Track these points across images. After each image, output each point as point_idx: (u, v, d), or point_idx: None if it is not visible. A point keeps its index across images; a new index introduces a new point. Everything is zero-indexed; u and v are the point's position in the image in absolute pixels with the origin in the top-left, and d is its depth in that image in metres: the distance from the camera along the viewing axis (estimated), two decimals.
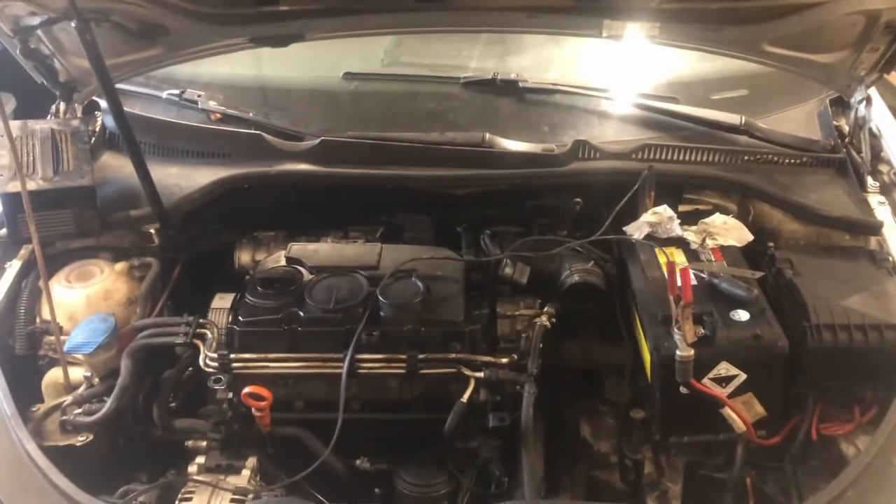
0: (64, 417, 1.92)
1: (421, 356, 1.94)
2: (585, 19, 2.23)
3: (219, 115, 2.52)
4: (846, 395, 1.95)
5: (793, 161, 2.42)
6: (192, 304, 2.16)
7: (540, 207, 2.40)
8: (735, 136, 2.43)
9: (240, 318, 2.02)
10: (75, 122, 2.33)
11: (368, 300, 2.01)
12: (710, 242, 2.11)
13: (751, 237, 2.17)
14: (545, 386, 1.94)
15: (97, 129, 2.55)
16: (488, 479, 1.89)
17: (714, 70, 2.64)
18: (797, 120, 2.55)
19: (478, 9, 2.27)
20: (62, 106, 2.46)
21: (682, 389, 1.81)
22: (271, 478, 1.91)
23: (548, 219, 2.39)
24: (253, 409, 1.89)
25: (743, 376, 1.83)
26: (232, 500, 1.77)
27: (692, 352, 1.78)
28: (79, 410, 1.94)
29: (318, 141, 2.37)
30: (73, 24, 1.96)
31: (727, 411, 1.83)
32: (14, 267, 2.20)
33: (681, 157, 2.37)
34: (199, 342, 2.02)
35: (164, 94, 2.58)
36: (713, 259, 2.07)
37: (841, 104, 2.53)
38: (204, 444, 1.95)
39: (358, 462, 1.95)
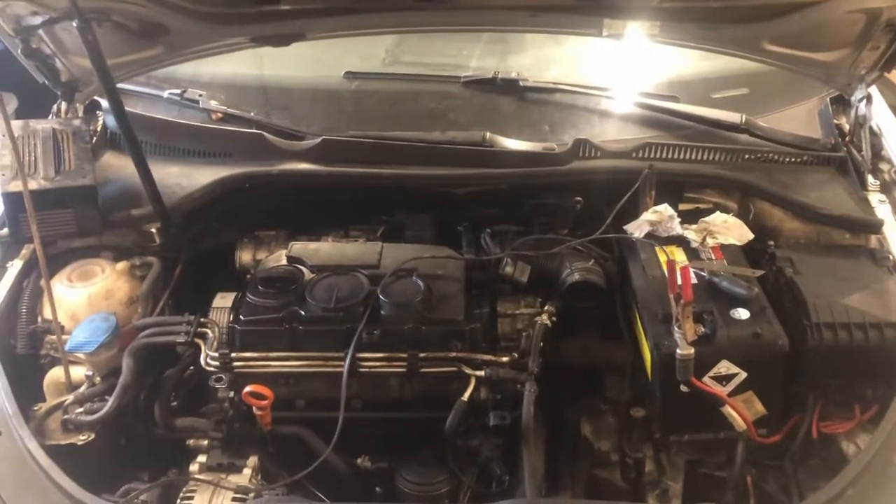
0: (66, 416, 1.92)
1: (422, 355, 1.94)
2: (586, 18, 2.24)
3: (220, 115, 2.52)
4: (846, 393, 1.95)
5: (793, 160, 2.42)
6: (193, 304, 2.16)
7: (540, 206, 2.40)
8: (735, 134, 2.43)
9: (241, 317, 2.03)
10: (77, 122, 2.34)
11: (369, 299, 2.01)
12: (710, 241, 2.11)
13: (751, 236, 2.17)
14: (546, 384, 1.95)
15: (98, 128, 2.55)
16: (489, 477, 1.89)
17: (714, 69, 2.64)
18: (798, 118, 2.55)
19: (479, 8, 2.27)
20: (64, 106, 2.47)
21: (683, 388, 1.81)
22: (272, 476, 1.91)
23: (548, 217, 2.39)
24: (254, 408, 1.90)
25: (743, 375, 1.84)
26: (233, 499, 1.78)
27: (692, 350, 1.78)
28: (80, 409, 1.94)
29: (319, 140, 2.38)
30: (74, 24, 1.96)
31: (728, 410, 1.83)
32: (16, 266, 2.20)
33: (681, 156, 2.37)
34: (200, 341, 2.02)
35: (166, 94, 2.59)
36: (713, 258, 2.07)
37: (841, 103, 2.53)
38: (205, 442, 1.95)
39: (359, 461, 1.95)
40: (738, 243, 2.13)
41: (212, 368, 1.97)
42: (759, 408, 1.87)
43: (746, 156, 2.39)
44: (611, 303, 2.16)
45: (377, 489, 1.96)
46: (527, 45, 2.84)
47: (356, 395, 1.96)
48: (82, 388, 2.00)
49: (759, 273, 2.01)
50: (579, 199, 2.38)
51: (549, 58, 2.76)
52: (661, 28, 2.20)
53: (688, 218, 2.18)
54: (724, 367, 1.83)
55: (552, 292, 2.16)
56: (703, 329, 1.82)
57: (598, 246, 2.21)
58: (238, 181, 2.35)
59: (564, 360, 2.13)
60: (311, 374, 1.97)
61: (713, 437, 1.93)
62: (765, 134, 2.43)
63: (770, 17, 2.16)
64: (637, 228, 2.17)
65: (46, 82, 2.42)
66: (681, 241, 2.13)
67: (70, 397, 1.97)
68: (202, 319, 2.06)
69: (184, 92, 2.56)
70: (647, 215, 2.17)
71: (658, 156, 2.35)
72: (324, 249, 2.26)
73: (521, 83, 2.58)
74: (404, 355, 1.94)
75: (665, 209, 2.17)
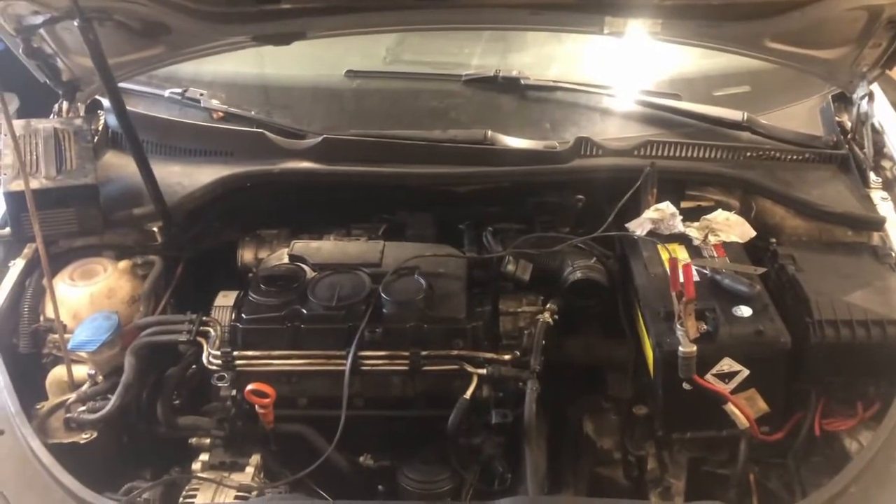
0: (68, 415, 1.93)
1: (424, 353, 1.94)
2: (587, 16, 2.23)
3: (221, 114, 2.52)
4: (849, 390, 1.95)
5: (795, 157, 2.42)
6: (195, 302, 2.16)
7: (542, 204, 2.40)
8: (737, 132, 2.43)
9: (243, 315, 2.03)
10: (78, 121, 2.34)
11: (371, 297, 2.01)
12: (712, 239, 2.11)
13: (753, 233, 2.17)
14: (548, 382, 1.95)
15: (100, 127, 2.55)
16: (491, 475, 1.89)
17: (716, 66, 2.64)
18: (799, 116, 2.54)
19: (480, 6, 2.27)
20: (65, 105, 2.47)
21: (685, 386, 1.81)
22: (275, 475, 1.91)
23: (550, 216, 2.39)
24: (256, 407, 1.90)
25: (746, 372, 1.83)
26: (236, 497, 1.78)
27: (695, 348, 1.78)
28: (83, 408, 1.94)
29: (320, 139, 2.38)
30: (75, 23, 1.96)
31: (730, 407, 1.83)
32: (18, 265, 2.20)
33: (683, 154, 2.37)
34: (202, 340, 2.02)
35: (167, 93, 2.59)
36: (715, 255, 2.07)
37: (843, 100, 2.52)
38: (208, 441, 1.95)
39: (361, 459, 1.95)
40: (740, 241, 2.13)
41: (214, 367, 1.97)
42: (762, 405, 1.87)
43: (748, 153, 2.39)
44: (613, 301, 2.15)
45: (379, 487, 1.96)
46: (528, 43, 2.84)
47: (358, 394, 1.96)
48: (84, 387, 2.00)
49: (761, 270, 2.01)
50: (581, 197, 2.38)
51: (551, 56, 2.76)
52: (663, 26, 2.20)
53: (690, 216, 2.18)
54: (727, 364, 1.83)
55: (554, 290, 2.16)
56: (705, 327, 1.82)
57: (599, 244, 2.21)
58: (239, 180, 2.35)
59: (566, 357, 2.13)
60: (314, 373, 1.97)
61: (716, 435, 1.93)
62: (766, 131, 2.42)
63: (771, 15, 2.16)
64: (639, 226, 2.16)
65: (48, 82, 2.42)
66: (683, 239, 2.13)
67: (72, 396, 1.97)
68: (204, 318, 2.06)
69: (185, 91, 2.57)
70: (649, 213, 2.17)
71: (660, 154, 2.35)
72: (325, 248, 2.26)
73: (522, 81, 2.58)
74: (406, 353, 1.94)
75: (667, 207, 2.17)
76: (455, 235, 2.35)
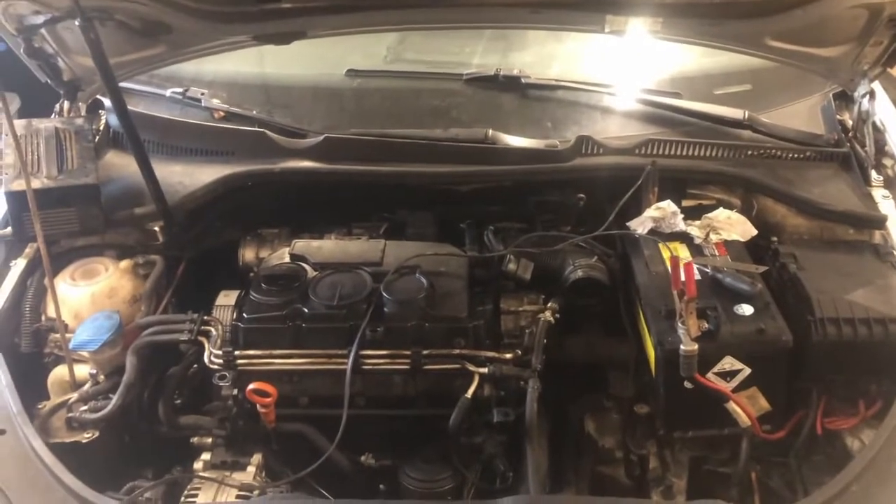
0: (70, 414, 1.93)
1: (425, 352, 1.94)
2: (588, 15, 2.23)
3: (222, 113, 2.52)
4: (850, 389, 1.94)
5: (796, 156, 2.42)
6: (196, 302, 2.16)
7: (543, 203, 2.40)
8: (738, 130, 2.43)
9: (244, 314, 2.03)
10: (79, 121, 2.34)
11: (372, 296, 2.01)
12: (713, 237, 2.11)
13: (754, 232, 2.16)
14: (549, 381, 1.95)
15: (101, 127, 2.55)
16: (493, 474, 1.89)
17: (717, 65, 2.63)
18: (801, 114, 2.54)
19: (480, 5, 2.27)
20: (66, 105, 2.47)
21: (687, 384, 1.81)
22: (276, 474, 1.92)
23: (551, 214, 2.39)
24: (258, 406, 1.90)
25: (747, 371, 1.83)
26: (237, 497, 1.78)
27: (696, 346, 1.77)
28: (84, 407, 1.94)
29: (321, 138, 2.38)
30: (76, 23, 1.97)
31: (732, 406, 1.83)
32: (19, 265, 2.20)
33: (684, 153, 2.37)
34: (203, 339, 2.02)
35: (168, 93, 2.59)
36: (717, 254, 2.07)
37: (844, 98, 2.52)
38: (209, 440, 1.95)
39: (363, 458, 1.96)
40: (742, 239, 2.13)
41: (215, 366, 1.98)
42: (763, 404, 1.87)
43: (749, 152, 2.39)
44: (614, 299, 2.15)
45: (381, 486, 1.97)
46: (529, 42, 2.84)
47: (360, 393, 1.97)
48: (86, 387, 2.00)
49: (762, 269, 2.01)
50: (582, 195, 2.38)
51: (552, 54, 2.76)
52: (664, 24, 2.20)
53: (691, 214, 2.18)
54: (728, 363, 1.83)
55: (555, 289, 2.15)
56: (706, 325, 1.82)
57: (601, 242, 2.21)
58: (240, 179, 2.35)
59: (568, 356, 2.13)
60: (315, 372, 1.97)
61: (717, 434, 1.93)
62: (768, 130, 2.42)
63: (772, 13, 2.16)
64: (640, 225, 2.16)
65: (49, 81, 2.42)
66: (684, 238, 2.12)
67: (74, 395, 1.97)
68: (205, 317, 2.06)
69: (186, 91, 2.57)
70: (650, 212, 2.17)
71: (661, 152, 2.35)
72: (326, 247, 2.26)
73: (523, 80, 2.58)
74: (408, 352, 1.94)
75: (668, 205, 2.17)
76: (456, 234, 2.35)
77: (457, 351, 1.96)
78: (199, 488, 1.80)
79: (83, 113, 2.49)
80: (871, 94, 2.36)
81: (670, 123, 2.46)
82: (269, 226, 2.40)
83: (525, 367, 1.95)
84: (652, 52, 2.56)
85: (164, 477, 1.87)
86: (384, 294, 2.00)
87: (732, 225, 2.15)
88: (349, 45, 2.75)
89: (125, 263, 2.25)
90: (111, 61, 2.07)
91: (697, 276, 1.92)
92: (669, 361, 1.82)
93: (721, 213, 2.18)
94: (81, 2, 1.94)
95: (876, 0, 2.10)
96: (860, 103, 2.38)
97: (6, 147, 2.16)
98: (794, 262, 2.03)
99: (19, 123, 2.22)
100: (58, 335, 2.04)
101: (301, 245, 2.24)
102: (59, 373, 2.05)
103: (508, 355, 1.98)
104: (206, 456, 1.92)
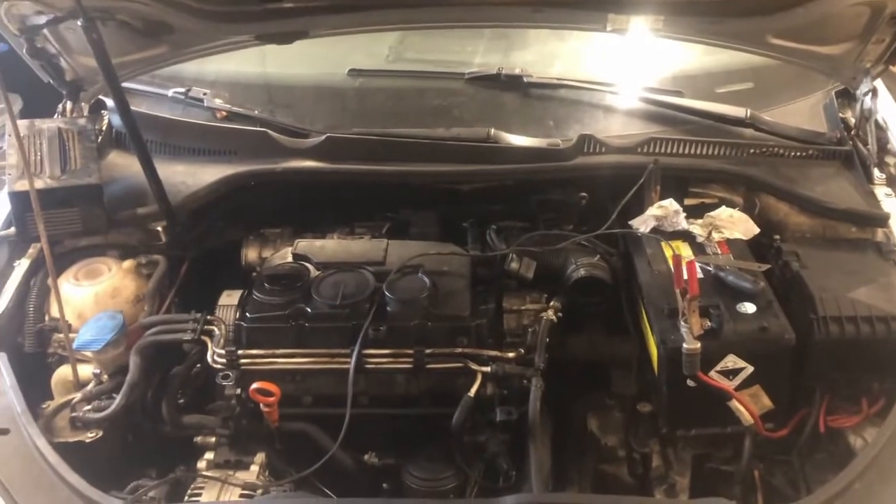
0: (73, 414, 1.93)
1: (428, 351, 1.94)
2: (590, 13, 2.23)
3: (224, 113, 2.53)
4: (853, 387, 1.94)
5: (799, 154, 2.41)
6: (199, 302, 2.17)
7: (545, 202, 2.40)
8: (740, 129, 2.42)
9: (247, 314, 2.03)
10: (82, 121, 2.34)
11: (375, 296, 2.02)
12: (716, 235, 2.11)
13: (757, 230, 2.16)
14: (552, 380, 1.95)
15: (104, 127, 2.55)
16: (496, 472, 1.90)
17: (719, 63, 2.63)
18: (803, 112, 2.54)
19: (482, 4, 2.27)
20: (69, 105, 2.47)
21: (689, 382, 1.81)
22: (280, 473, 1.92)
23: (553, 213, 2.39)
24: (261, 405, 1.90)
25: (750, 369, 1.83)
26: (241, 496, 1.78)
27: (699, 345, 1.78)
28: (88, 407, 1.94)
29: (323, 138, 2.38)
30: (79, 23, 1.97)
31: (734, 404, 1.83)
32: (23, 265, 2.20)
33: (686, 151, 2.37)
34: (206, 339, 2.02)
35: (170, 93, 2.59)
36: (719, 252, 2.07)
37: (847, 96, 2.52)
38: (213, 439, 1.96)
39: (366, 457, 1.96)
40: (744, 237, 2.13)
41: (218, 366, 1.98)
42: (766, 402, 1.87)
43: (751, 150, 2.39)
44: (616, 298, 2.15)
45: (384, 485, 1.97)
46: (530, 40, 2.84)
47: (363, 392, 1.97)
48: (90, 386, 2.00)
49: (765, 267, 2.01)
50: (584, 194, 2.38)
51: (553, 53, 2.76)
52: (665, 22, 2.20)
53: (693, 212, 2.19)
54: (731, 361, 1.83)
55: (558, 288, 2.15)
56: (709, 323, 1.82)
57: (603, 241, 2.21)
58: (243, 179, 2.35)
59: (570, 355, 2.13)
60: (318, 371, 1.97)
61: (720, 432, 1.93)
62: (770, 128, 2.42)
63: (774, 11, 2.15)
64: (642, 223, 2.16)
65: (51, 82, 2.43)
66: (686, 236, 2.13)
67: (78, 395, 1.97)
68: (209, 317, 2.06)
69: (188, 91, 2.57)
70: (653, 210, 2.17)
71: (663, 151, 2.35)
72: (329, 247, 2.26)
73: (525, 79, 2.58)
74: (410, 351, 1.94)
75: (670, 204, 2.17)
76: (459, 233, 2.35)
77: (459, 350, 1.97)
78: (202, 487, 1.80)
79: (86, 113, 2.49)
80: (874, 91, 2.36)
81: (672, 122, 2.46)
82: (272, 225, 2.40)
83: (528, 365, 1.95)
84: (654, 51, 2.56)
85: (167, 476, 1.86)
86: (387, 293, 2.01)
87: (735, 223, 2.15)
88: (351, 44, 2.75)
89: (128, 263, 2.25)
90: (113, 61, 2.07)
91: (700, 275, 1.91)
92: (672, 360, 1.82)
93: (723, 212, 2.18)
94: (84, 2, 1.94)
95: None
96: (862, 101, 2.38)
97: (9, 147, 2.17)
98: (797, 260, 2.03)
99: (22, 124, 2.22)
100: (61, 335, 2.05)
101: (304, 245, 2.25)
102: (63, 372, 2.05)
103: (511, 354, 1.98)
104: (209, 455, 1.92)
